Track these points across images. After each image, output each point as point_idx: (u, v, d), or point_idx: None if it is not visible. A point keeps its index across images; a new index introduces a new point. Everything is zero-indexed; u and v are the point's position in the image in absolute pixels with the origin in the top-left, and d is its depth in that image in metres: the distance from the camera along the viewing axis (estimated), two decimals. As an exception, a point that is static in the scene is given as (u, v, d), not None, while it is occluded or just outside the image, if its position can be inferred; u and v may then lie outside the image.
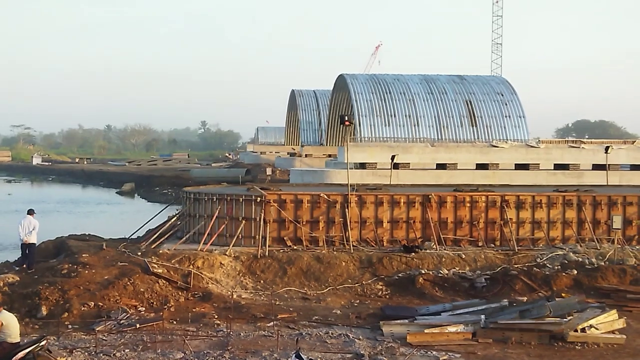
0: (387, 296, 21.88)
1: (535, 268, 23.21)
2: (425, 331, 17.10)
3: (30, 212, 23.90)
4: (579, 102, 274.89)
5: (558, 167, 48.85)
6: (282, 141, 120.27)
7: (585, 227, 26.42)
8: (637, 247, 25.69)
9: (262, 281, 22.59)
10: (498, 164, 48.98)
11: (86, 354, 15.68)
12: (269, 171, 72.97)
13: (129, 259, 22.82)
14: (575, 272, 22.82)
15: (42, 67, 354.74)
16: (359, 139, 51.99)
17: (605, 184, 36.05)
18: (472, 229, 26.09)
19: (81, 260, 22.42)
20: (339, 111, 71.95)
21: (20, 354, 13.36)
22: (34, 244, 23.63)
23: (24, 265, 23.08)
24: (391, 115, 53.71)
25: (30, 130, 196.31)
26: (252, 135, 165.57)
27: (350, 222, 25.27)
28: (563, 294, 20.49)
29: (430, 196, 26.09)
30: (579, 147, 50.13)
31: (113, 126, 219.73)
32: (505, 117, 54.28)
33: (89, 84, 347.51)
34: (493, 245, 25.71)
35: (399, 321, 17.89)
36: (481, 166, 48.68)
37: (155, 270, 21.62)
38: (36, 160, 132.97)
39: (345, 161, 34.33)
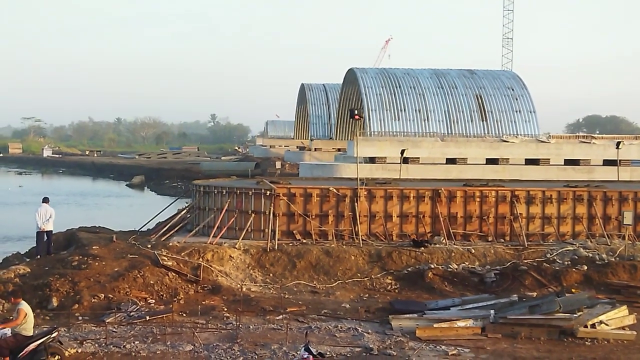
0: (396, 290, 21.88)
1: (545, 263, 23.15)
2: (435, 326, 17.09)
3: (46, 200, 24.49)
4: (590, 97, 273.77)
5: (569, 162, 48.55)
6: (292, 135, 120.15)
7: (595, 223, 26.31)
8: (648, 243, 25.54)
9: (271, 274, 22.63)
10: (508, 158, 48.73)
11: (96, 345, 15.76)
12: (278, 165, 72.99)
13: (139, 251, 22.91)
14: (586, 267, 22.75)
15: (53, 60, 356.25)
16: (368, 133, 51.85)
17: (616, 179, 35.87)
18: (481, 223, 26.04)
19: (91, 252, 22.53)
20: (348, 105, 71.78)
21: (32, 346, 13.47)
22: (52, 231, 24.29)
23: (48, 254, 23.63)
24: (401, 110, 53.50)
25: (41, 123, 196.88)
26: (262, 128, 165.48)
27: (359, 216, 25.26)
28: (573, 290, 20.42)
29: (440, 191, 26.04)
30: (589, 143, 49.80)
31: (123, 119, 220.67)
32: (516, 112, 53.94)
33: (99, 77, 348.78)
34: (503, 240, 25.65)
35: (408, 315, 17.89)
36: (491, 161, 48.45)
37: (165, 262, 21.70)
38: (46, 153, 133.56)
39: (355, 155, 34.28)
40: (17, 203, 55.10)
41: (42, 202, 24.30)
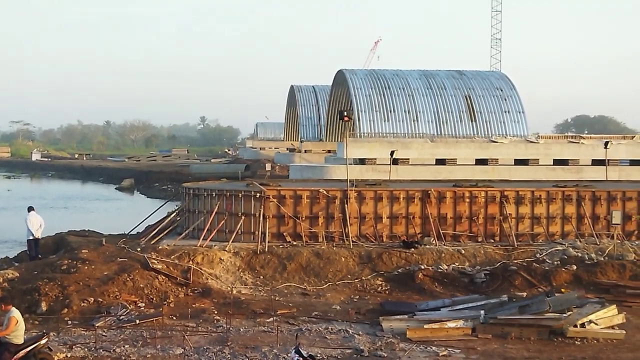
0: (387, 292, 21.89)
1: (534, 263, 23.23)
2: (425, 327, 17.12)
3: (31, 208, 24.50)
4: (579, 98, 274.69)
5: (557, 162, 48.76)
6: (282, 137, 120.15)
7: (584, 223, 26.43)
8: (637, 243, 25.66)
9: (261, 277, 22.60)
10: (497, 159, 48.90)
11: (86, 349, 15.70)
12: (268, 167, 72.91)
13: (128, 254, 22.82)
14: (575, 267, 22.84)
15: (42, 63, 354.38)
16: (358, 134, 51.90)
17: (605, 179, 36.04)
18: (471, 224, 26.09)
19: (81, 256, 22.42)
20: (338, 107, 71.84)
21: (21, 353, 13.36)
22: (39, 239, 24.60)
23: (39, 257, 23.88)
24: (390, 111, 53.57)
25: (30, 126, 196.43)
26: (252, 130, 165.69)
27: (349, 217, 25.27)
28: (562, 290, 20.50)
29: (429, 192, 26.09)
30: (578, 143, 50.02)
31: (112, 122, 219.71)
32: (505, 112, 54.12)
33: (88, 80, 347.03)
34: (492, 241, 25.72)
35: (398, 317, 17.91)
36: (480, 161, 48.60)
37: (154, 266, 21.63)
38: (35, 156, 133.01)
39: (345, 157, 34.30)
40: (5, 207, 54.75)
41: (31, 211, 24.39)
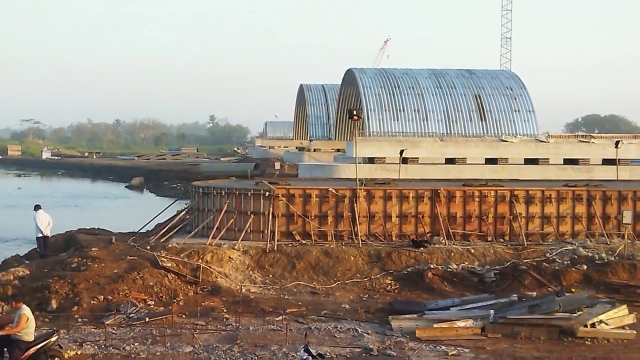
0: (396, 291, 21.86)
1: (544, 263, 23.14)
2: (434, 326, 17.08)
3: (38, 207, 24.69)
4: (589, 97, 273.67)
5: (568, 161, 48.54)
6: (291, 136, 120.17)
7: (595, 222, 26.31)
8: (648, 242, 25.52)
9: (270, 275, 22.62)
10: (507, 158, 48.71)
11: (96, 347, 15.76)
12: (277, 166, 72.89)
13: (138, 252, 22.89)
14: (585, 267, 22.74)
15: (52, 61, 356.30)
16: (367, 133, 51.83)
17: (616, 178, 35.85)
18: (481, 223, 26.03)
19: (91, 254, 22.51)
20: (347, 105, 71.76)
21: (32, 350, 13.42)
22: (48, 236, 24.92)
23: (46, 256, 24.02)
24: (400, 110, 53.46)
25: (40, 125, 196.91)
26: (261, 129, 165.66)
27: (358, 216, 25.25)
28: (573, 289, 20.42)
29: (439, 191, 26.03)
30: (588, 142, 49.76)
31: (122, 120, 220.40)
32: (515, 111, 53.93)
33: (98, 79, 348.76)
34: (502, 240, 25.64)
35: (407, 316, 17.88)
36: (490, 161, 48.43)
37: (164, 264, 21.68)
38: (45, 155, 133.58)
39: (354, 156, 34.26)
40: (16, 205, 55.01)
41: (39, 209, 24.55)
